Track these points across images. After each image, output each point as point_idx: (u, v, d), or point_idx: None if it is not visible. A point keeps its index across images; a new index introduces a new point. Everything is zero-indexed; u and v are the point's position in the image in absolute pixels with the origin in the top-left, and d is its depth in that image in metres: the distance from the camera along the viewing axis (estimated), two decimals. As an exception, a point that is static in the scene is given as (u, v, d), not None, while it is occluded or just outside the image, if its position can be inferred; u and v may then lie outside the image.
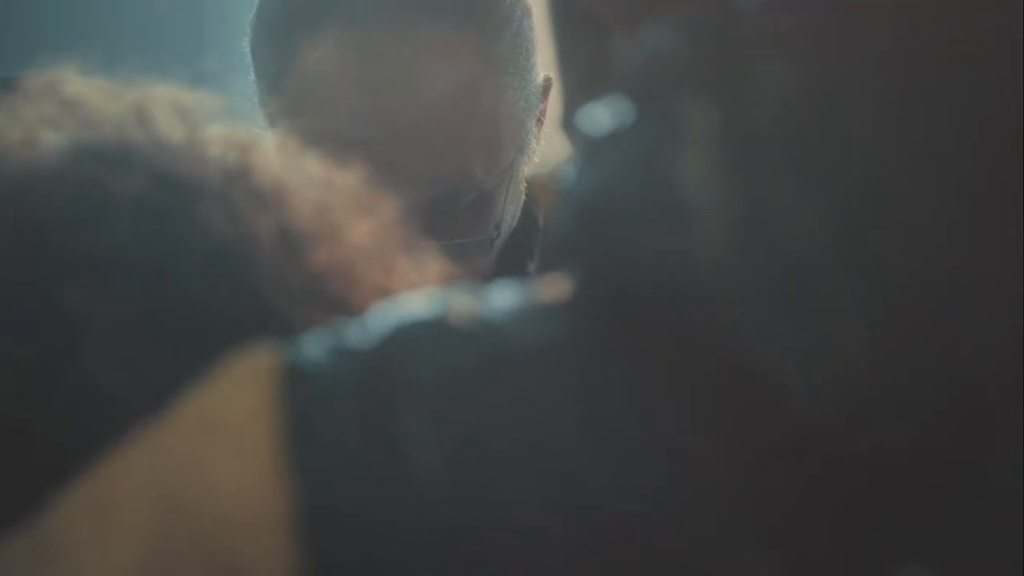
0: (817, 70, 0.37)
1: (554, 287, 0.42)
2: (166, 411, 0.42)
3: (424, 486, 0.38)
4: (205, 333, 0.52)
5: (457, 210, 0.97)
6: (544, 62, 0.99)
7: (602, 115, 0.41)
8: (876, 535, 0.38)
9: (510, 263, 1.04)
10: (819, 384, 0.37)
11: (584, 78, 0.46)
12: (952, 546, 0.37)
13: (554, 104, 1.01)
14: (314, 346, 0.42)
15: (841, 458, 0.38)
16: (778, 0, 0.37)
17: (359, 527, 0.38)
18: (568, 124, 0.49)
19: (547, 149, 1.03)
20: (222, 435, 0.40)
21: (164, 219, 0.61)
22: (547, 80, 1.01)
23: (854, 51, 0.37)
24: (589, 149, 0.41)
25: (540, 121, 1.01)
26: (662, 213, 0.38)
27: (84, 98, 0.65)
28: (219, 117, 0.79)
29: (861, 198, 0.36)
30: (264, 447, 0.39)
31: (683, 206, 0.38)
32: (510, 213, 1.02)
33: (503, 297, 0.42)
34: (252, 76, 0.97)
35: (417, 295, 0.46)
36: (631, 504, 0.37)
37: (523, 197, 1.03)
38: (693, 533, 0.37)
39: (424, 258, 0.80)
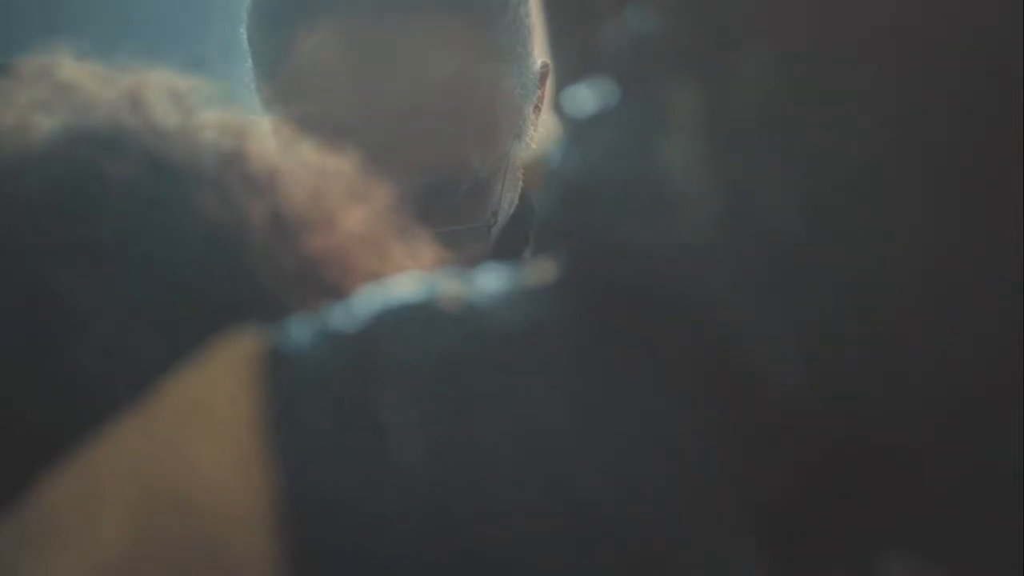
0: (802, 55, 0.36)
1: (540, 271, 0.42)
2: (150, 396, 0.42)
3: (408, 470, 0.38)
4: (196, 319, 0.52)
5: (454, 197, 0.97)
6: (541, 48, 0.99)
7: (587, 97, 0.41)
8: (867, 530, 0.38)
9: (507, 250, 1.04)
10: (804, 369, 0.37)
11: (572, 61, 0.46)
12: (950, 544, 0.37)
13: (550, 88, 1.01)
14: (299, 330, 0.42)
15: (830, 446, 0.38)
16: None
17: (343, 512, 0.38)
18: (559, 107, 0.49)
19: (545, 134, 1.03)
20: (205, 420, 0.39)
21: (156, 204, 0.61)
22: (544, 66, 1.01)
23: (839, 36, 0.37)
24: (574, 132, 0.41)
25: (538, 107, 1.01)
26: (646, 196, 0.38)
27: (78, 83, 0.65)
28: (214, 103, 0.79)
29: (846, 183, 0.36)
30: (247, 432, 0.39)
31: (667, 190, 0.38)
32: (507, 200, 1.02)
33: (489, 281, 0.42)
34: (248, 62, 0.97)
35: (403, 279, 0.46)
36: (616, 488, 0.37)
37: (520, 184, 1.03)
38: (678, 519, 0.37)
39: (419, 245, 0.80)
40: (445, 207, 0.98)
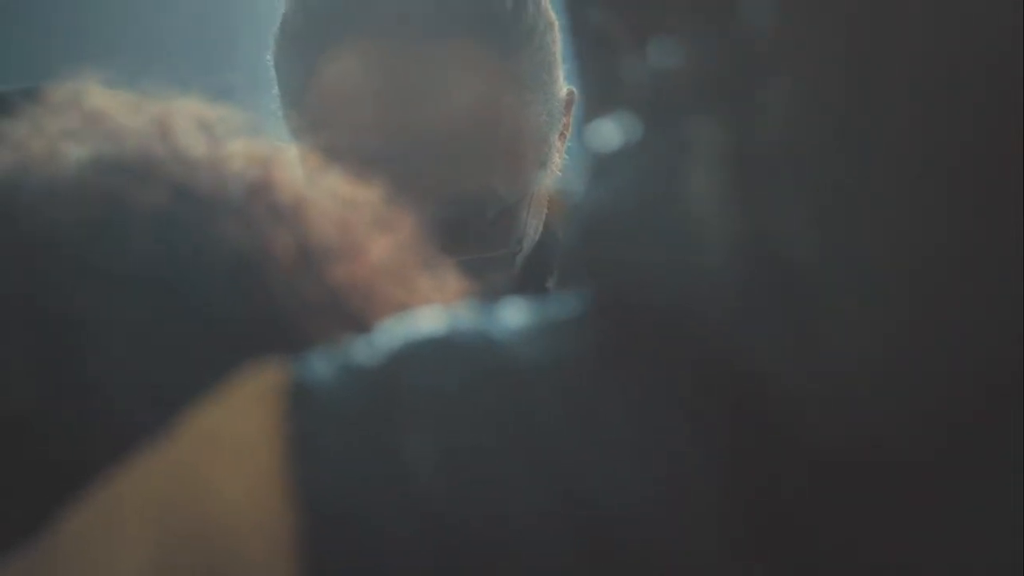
0: (824, 88, 0.36)
1: (562, 304, 0.42)
2: (174, 424, 0.43)
3: (428, 503, 0.38)
4: (220, 348, 0.52)
5: (479, 225, 0.97)
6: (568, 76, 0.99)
7: (611, 131, 0.41)
8: (871, 540, 0.38)
9: (532, 278, 1.04)
10: (825, 398, 0.37)
11: (597, 94, 0.46)
12: (952, 548, 0.37)
13: (577, 117, 1.01)
14: (321, 363, 0.42)
15: (843, 465, 0.38)
16: (786, 17, 0.37)
17: (362, 542, 0.38)
18: (585, 139, 0.49)
19: (570, 162, 1.03)
20: (228, 449, 0.40)
21: (183, 233, 0.61)
22: (570, 94, 1.01)
23: (864, 70, 0.37)
24: (598, 165, 0.41)
25: (563, 135, 1.01)
26: (668, 230, 0.38)
27: (106, 111, 0.65)
28: (242, 131, 0.80)
29: (867, 216, 0.36)
30: (269, 462, 0.39)
31: (690, 224, 0.38)
32: (532, 228, 1.02)
33: (511, 314, 0.42)
34: (276, 90, 0.97)
35: (425, 312, 0.46)
36: (631, 516, 0.37)
37: (545, 212, 1.03)
38: (692, 545, 0.37)
39: (444, 275, 0.80)
40: (470, 235, 0.98)
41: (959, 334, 0.36)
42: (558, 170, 1.00)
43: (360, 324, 0.63)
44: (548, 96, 0.98)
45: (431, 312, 0.45)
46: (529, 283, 1.04)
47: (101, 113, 0.66)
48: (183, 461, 0.40)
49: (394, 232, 0.76)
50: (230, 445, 0.40)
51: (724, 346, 0.37)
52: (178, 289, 0.53)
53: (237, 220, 0.64)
